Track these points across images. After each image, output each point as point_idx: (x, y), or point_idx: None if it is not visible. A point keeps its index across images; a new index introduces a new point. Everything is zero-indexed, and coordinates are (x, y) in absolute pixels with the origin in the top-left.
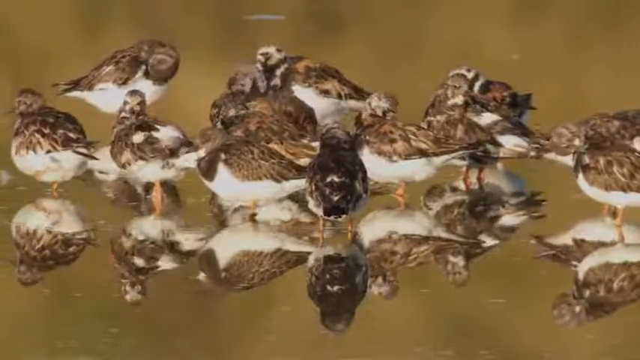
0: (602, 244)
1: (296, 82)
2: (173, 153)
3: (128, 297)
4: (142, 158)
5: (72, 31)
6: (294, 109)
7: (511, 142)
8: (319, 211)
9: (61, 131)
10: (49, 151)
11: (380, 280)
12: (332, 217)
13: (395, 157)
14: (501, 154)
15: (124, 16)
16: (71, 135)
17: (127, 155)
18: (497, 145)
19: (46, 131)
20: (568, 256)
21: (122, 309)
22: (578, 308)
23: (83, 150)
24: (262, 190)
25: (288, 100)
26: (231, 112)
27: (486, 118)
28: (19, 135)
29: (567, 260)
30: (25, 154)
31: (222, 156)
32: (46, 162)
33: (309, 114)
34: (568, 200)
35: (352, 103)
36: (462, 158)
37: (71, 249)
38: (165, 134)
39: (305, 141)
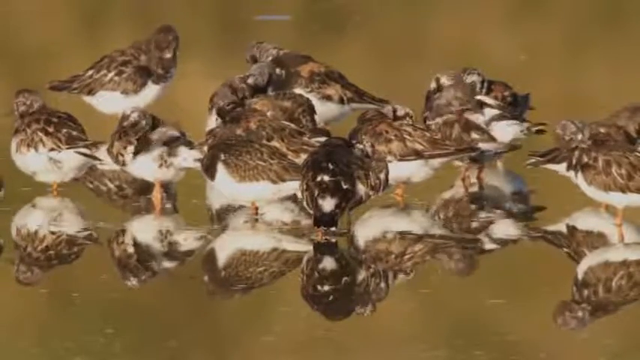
0: (601, 241)
1: (299, 86)
2: (169, 147)
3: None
4: (129, 143)
5: (72, 30)
6: (291, 103)
7: (503, 127)
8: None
9: (64, 130)
10: (52, 149)
11: (364, 300)
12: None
13: (390, 158)
14: (498, 150)
15: (125, 16)
16: (75, 134)
17: (117, 145)
18: (493, 141)
19: (50, 130)
20: (565, 247)
21: (119, 309)
22: (581, 313)
23: (86, 151)
24: (259, 192)
25: (286, 96)
26: (222, 104)
27: (487, 114)
28: (20, 133)
29: (564, 251)
30: (25, 152)
31: (222, 156)
32: (45, 162)
33: (307, 106)
34: (568, 199)
35: (355, 106)
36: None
37: (70, 249)
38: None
39: (305, 138)
